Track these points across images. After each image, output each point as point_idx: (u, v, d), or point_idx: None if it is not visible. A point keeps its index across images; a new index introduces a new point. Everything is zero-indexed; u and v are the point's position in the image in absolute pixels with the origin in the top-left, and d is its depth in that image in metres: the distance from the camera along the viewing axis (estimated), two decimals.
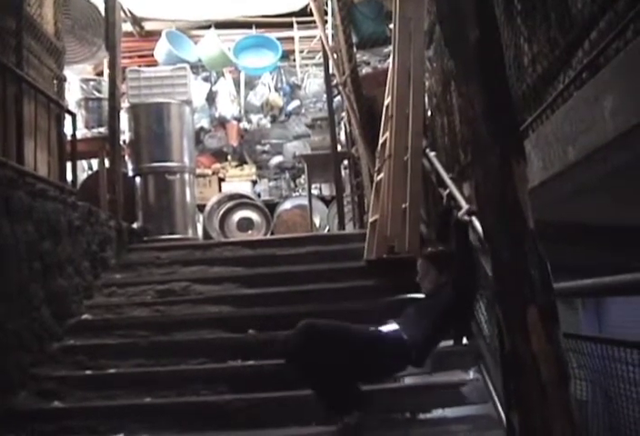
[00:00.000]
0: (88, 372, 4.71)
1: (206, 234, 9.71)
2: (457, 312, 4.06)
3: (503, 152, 2.09)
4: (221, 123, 11.31)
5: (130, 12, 10.31)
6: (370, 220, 5.73)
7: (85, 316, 5.43)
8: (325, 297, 5.36)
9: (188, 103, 9.05)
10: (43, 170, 5.54)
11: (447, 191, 4.53)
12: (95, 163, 9.00)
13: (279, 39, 11.04)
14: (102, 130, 7.87)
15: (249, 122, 11.47)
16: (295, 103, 11.52)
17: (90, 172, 9.30)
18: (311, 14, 8.66)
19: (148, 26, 11.15)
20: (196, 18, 10.95)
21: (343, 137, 9.18)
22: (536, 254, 2.03)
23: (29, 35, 5.49)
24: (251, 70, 11.18)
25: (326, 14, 8.82)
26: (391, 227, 5.12)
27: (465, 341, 4.40)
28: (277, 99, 11.44)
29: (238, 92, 11.53)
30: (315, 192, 10.05)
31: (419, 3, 5.13)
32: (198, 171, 9.73)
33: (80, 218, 5.77)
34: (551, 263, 2.05)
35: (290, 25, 11.18)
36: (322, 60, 9.14)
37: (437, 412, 4.36)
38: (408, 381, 4.78)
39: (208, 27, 10.94)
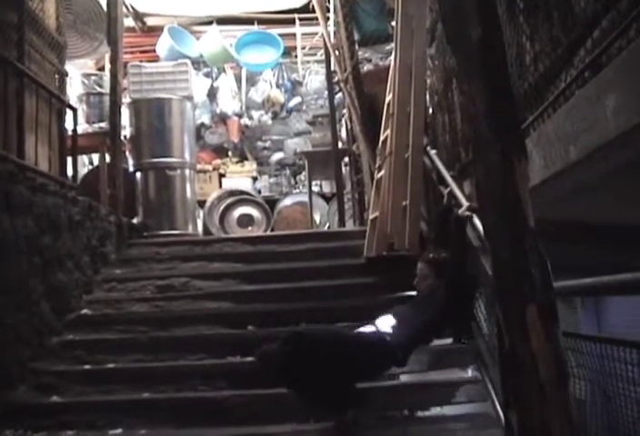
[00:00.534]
0: (87, 367, 4.72)
1: (206, 230, 9.71)
2: (453, 311, 4.07)
3: (504, 150, 2.09)
4: (222, 119, 11.30)
5: (132, 7, 10.30)
6: (370, 217, 5.74)
7: (84, 311, 5.43)
8: (325, 294, 5.37)
9: (189, 98, 9.05)
10: (43, 164, 5.54)
11: (448, 189, 4.53)
12: (95, 158, 8.99)
13: (281, 35, 11.02)
14: (103, 125, 7.87)
15: (250, 118, 11.46)
16: (297, 99, 11.51)
17: (91, 167, 9.29)
18: (313, 11, 8.66)
19: (150, 22, 11.14)
20: (198, 14, 10.94)
21: (344, 134, 9.17)
22: (537, 253, 2.03)
23: (31, 30, 5.49)
24: (252, 66, 11.17)
25: (328, 10, 8.80)
26: (391, 224, 5.12)
27: (464, 340, 4.41)
28: (278, 95, 11.43)
29: (239, 88, 11.51)
30: (315, 188, 10.04)
31: (421, 0, 5.12)
32: (199, 167, 9.72)
33: (80, 213, 5.77)
34: (551, 262, 2.05)
35: (292, 22, 11.17)
36: (323, 57, 9.12)
37: (435, 410, 4.36)
38: (406, 378, 4.78)
39: (210, 23, 10.93)
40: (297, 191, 10.69)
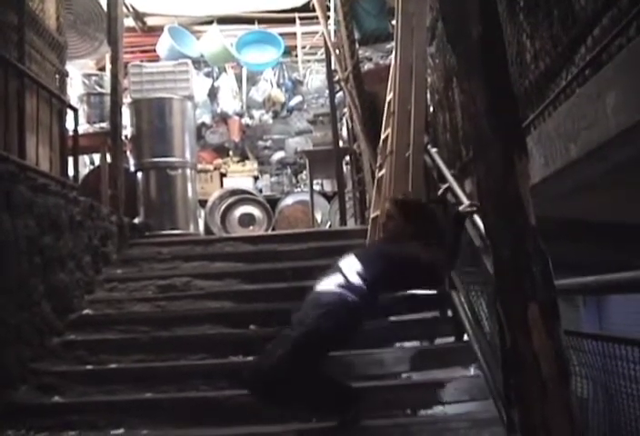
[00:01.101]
0: (89, 367, 4.72)
1: (208, 230, 9.71)
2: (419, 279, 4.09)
3: (505, 148, 2.08)
4: (223, 118, 11.31)
5: (132, 7, 10.30)
6: (371, 216, 5.74)
7: (86, 311, 5.43)
8: None
9: (190, 98, 9.05)
10: (44, 165, 5.54)
11: (446, 185, 4.52)
12: (96, 158, 8.99)
13: (281, 35, 11.02)
14: (104, 125, 7.87)
15: (251, 117, 11.47)
16: (297, 98, 11.52)
17: (92, 167, 9.30)
18: (313, 10, 8.66)
19: (150, 21, 11.14)
20: (199, 13, 10.94)
21: (345, 133, 9.17)
22: (538, 251, 2.03)
23: (31, 30, 5.49)
24: (253, 65, 11.17)
25: (329, 9, 8.80)
26: None
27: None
28: (279, 95, 11.43)
29: (240, 87, 11.52)
30: (316, 187, 10.04)
31: None
32: (200, 166, 9.73)
33: (81, 213, 5.77)
34: (552, 260, 2.05)
35: (292, 21, 11.17)
36: (324, 56, 9.13)
37: (438, 409, 4.36)
38: (409, 377, 4.79)
39: (211, 23, 10.94)
40: (298, 190, 10.69)
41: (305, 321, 3.75)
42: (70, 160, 6.18)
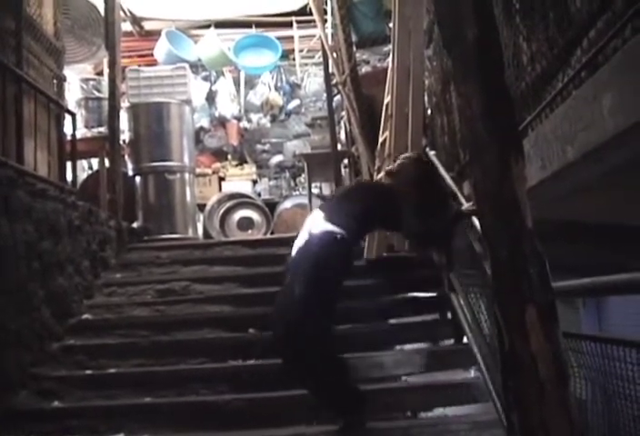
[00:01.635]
0: (88, 372, 4.71)
1: (207, 234, 9.71)
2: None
3: (501, 150, 2.09)
4: (221, 122, 11.31)
5: (130, 11, 10.30)
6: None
7: (85, 316, 5.43)
8: None
9: (188, 102, 9.06)
10: (43, 169, 5.54)
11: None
12: (95, 162, 9.00)
13: (279, 38, 11.03)
14: (102, 129, 7.89)
15: (249, 121, 11.47)
16: (295, 102, 11.52)
17: (90, 171, 9.30)
18: (310, 14, 8.66)
19: (148, 26, 11.14)
20: (196, 18, 10.94)
21: (343, 136, 9.17)
22: (535, 253, 2.03)
23: (29, 35, 5.50)
24: (251, 69, 11.18)
25: (326, 13, 8.82)
26: None
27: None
28: (277, 98, 11.43)
29: (238, 91, 11.52)
30: (315, 191, 10.03)
31: (418, 2, 5.13)
32: (198, 170, 9.72)
33: (80, 218, 5.77)
34: (550, 262, 2.05)
35: (290, 25, 11.17)
36: (321, 59, 9.12)
37: (438, 411, 4.37)
38: (409, 380, 4.79)
39: (208, 27, 10.93)
40: (297, 193, 10.68)
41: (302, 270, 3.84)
42: (68, 165, 6.18)
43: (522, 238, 2.04)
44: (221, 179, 10.82)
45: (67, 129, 6.28)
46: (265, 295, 5.54)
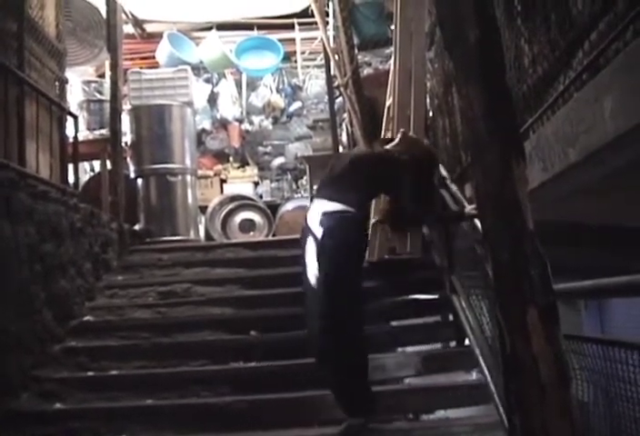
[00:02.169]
0: (90, 374, 4.72)
1: (208, 236, 9.70)
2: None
3: (502, 152, 2.09)
4: (222, 124, 11.30)
5: (131, 14, 10.30)
6: (372, 221, 5.73)
7: (86, 318, 5.43)
8: None
9: (190, 104, 9.06)
10: (44, 172, 5.55)
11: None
12: (96, 164, 9.00)
13: (280, 40, 11.02)
14: (103, 132, 7.89)
15: (251, 123, 11.47)
16: (297, 104, 11.52)
17: (92, 173, 9.30)
18: (312, 16, 8.66)
19: (150, 28, 11.15)
20: (198, 20, 10.94)
21: (344, 138, 9.17)
22: (536, 255, 2.03)
23: (31, 38, 5.50)
24: (252, 71, 11.18)
25: (328, 15, 8.81)
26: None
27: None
28: (279, 100, 11.43)
29: (240, 93, 11.52)
30: None
31: (420, 4, 5.14)
32: (200, 172, 9.72)
33: (82, 220, 5.77)
34: (551, 264, 2.05)
35: (291, 27, 11.17)
36: (323, 61, 9.13)
37: (440, 413, 4.37)
38: (411, 382, 4.79)
39: (210, 29, 10.94)
40: (299, 195, 10.67)
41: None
42: (70, 167, 6.18)
43: (523, 239, 2.04)
44: (223, 181, 10.82)
45: (69, 131, 6.28)
46: (267, 297, 5.56)
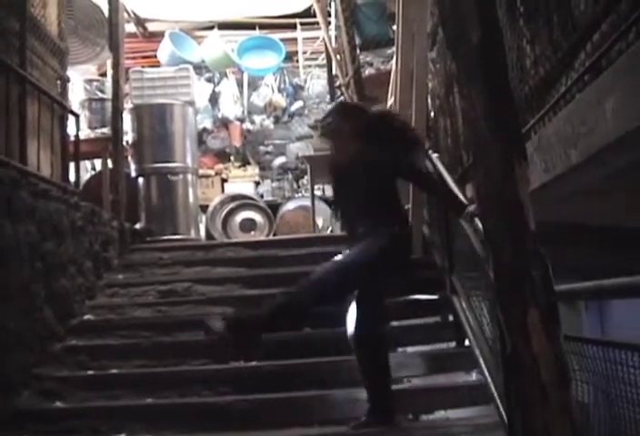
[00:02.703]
0: (90, 373, 4.72)
1: (209, 235, 9.71)
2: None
3: (503, 152, 2.09)
4: (224, 123, 11.31)
5: (133, 13, 10.31)
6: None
7: (87, 316, 5.43)
8: None
9: (191, 103, 9.05)
10: (46, 170, 5.55)
11: None
12: (98, 163, 9.00)
13: (282, 40, 11.04)
14: (105, 130, 7.88)
15: (252, 122, 11.47)
16: (298, 104, 11.52)
17: (93, 172, 9.30)
18: (314, 16, 8.69)
19: (151, 27, 11.16)
20: (200, 19, 10.96)
21: None
22: (537, 255, 2.03)
23: (33, 36, 5.50)
24: (254, 71, 11.19)
25: (330, 15, 8.83)
26: None
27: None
28: (280, 100, 11.44)
29: (241, 93, 11.53)
30: (317, 193, 10.02)
31: (422, 4, 5.13)
32: (201, 171, 9.73)
33: (83, 218, 5.77)
34: (552, 265, 2.05)
35: (293, 27, 11.19)
36: (325, 61, 9.16)
37: (440, 414, 4.36)
38: (410, 383, 4.79)
39: (211, 28, 10.96)
40: (300, 195, 10.67)
41: None
42: (71, 165, 6.18)
43: (524, 240, 2.04)
44: (224, 180, 10.83)
45: (71, 130, 6.28)
46: (267, 297, 5.53)
